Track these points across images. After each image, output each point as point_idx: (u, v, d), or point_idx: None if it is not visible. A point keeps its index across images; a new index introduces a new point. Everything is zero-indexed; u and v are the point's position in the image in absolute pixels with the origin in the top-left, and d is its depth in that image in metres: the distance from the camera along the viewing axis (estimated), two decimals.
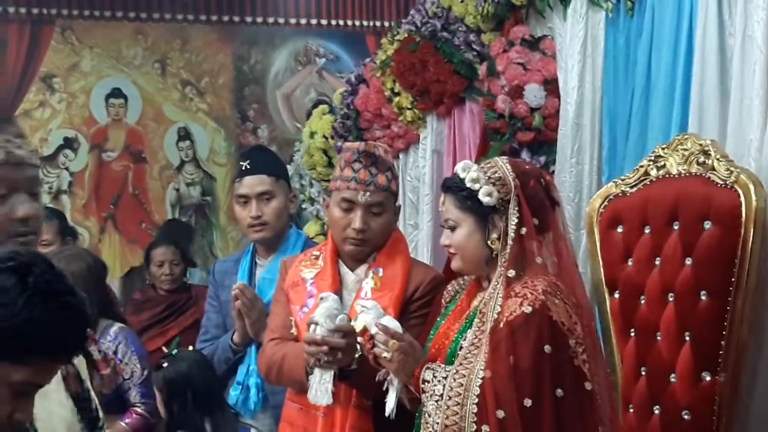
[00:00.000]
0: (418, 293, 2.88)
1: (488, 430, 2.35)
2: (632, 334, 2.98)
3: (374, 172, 2.91)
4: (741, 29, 2.87)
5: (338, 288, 2.93)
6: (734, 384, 2.76)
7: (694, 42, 3.05)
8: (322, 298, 2.71)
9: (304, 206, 6.00)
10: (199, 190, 7.24)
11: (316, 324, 2.67)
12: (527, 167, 2.70)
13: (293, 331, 2.88)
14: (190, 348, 3.50)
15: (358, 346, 2.72)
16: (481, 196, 2.54)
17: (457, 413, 2.39)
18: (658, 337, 2.89)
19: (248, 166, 3.56)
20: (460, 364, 2.44)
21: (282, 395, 3.15)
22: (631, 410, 2.96)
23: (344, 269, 2.98)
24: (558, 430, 2.38)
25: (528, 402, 2.36)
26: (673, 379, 2.84)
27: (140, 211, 7.15)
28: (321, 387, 2.69)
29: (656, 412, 2.89)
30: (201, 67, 7.31)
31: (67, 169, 7.05)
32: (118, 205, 7.13)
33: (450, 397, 2.40)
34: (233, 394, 3.49)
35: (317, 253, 3.04)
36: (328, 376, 2.69)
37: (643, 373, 2.94)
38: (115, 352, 3.82)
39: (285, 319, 2.95)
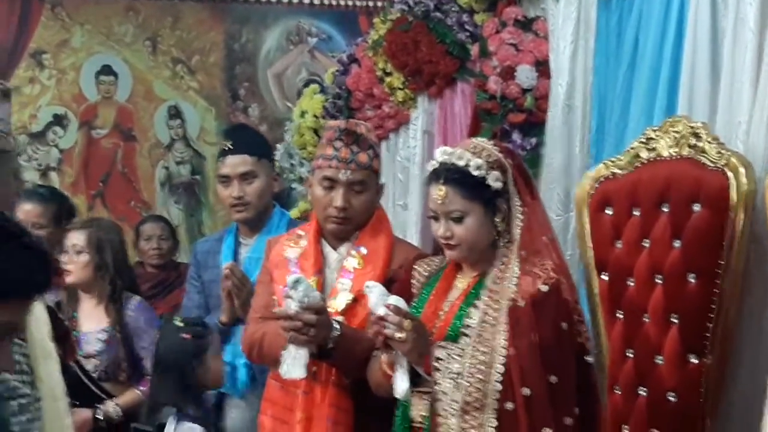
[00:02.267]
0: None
1: (512, 407, 2.37)
2: (620, 315, 2.98)
3: (355, 150, 2.90)
4: (733, 11, 2.86)
5: (321, 267, 2.92)
6: (721, 367, 2.76)
7: (684, 23, 3.04)
8: (298, 281, 2.69)
9: (293, 186, 5.98)
10: (188, 168, 7.22)
11: (291, 299, 2.67)
12: (504, 145, 2.72)
13: (276, 310, 2.87)
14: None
15: (336, 325, 2.72)
16: (490, 182, 2.53)
17: (480, 390, 2.39)
18: (646, 319, 2.89)
19: (230, 146, 3.55)
20: (478, 341, 2.44)
21: None
22: (617, 392, 2.97)
23: (327, 248, 2.97)
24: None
25: (554, 379, 2.39)
26: (659, 361, 2.84)
27: (129, 190, 7.12)
28: (295, 362, 2.69)
29: (642, 393, 2.89)
30: (192, 46, 7.26)
31: (56, 146, 7.02)
32: (107, 183, 7.10)
33: (471, 374, 2.41)
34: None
35: (301, 232, 3.04)
36: (303, 351, 2.69)
37: (630, 354, 2.94)
38: (137, 321, 3.87)
39: (268, 298, 2.95)
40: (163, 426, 3.19)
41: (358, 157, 2.90)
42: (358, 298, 2.82)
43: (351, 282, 2.87)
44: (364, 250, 2.91)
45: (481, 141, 2.65)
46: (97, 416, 3.74)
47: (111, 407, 3.76)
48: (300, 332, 2.66)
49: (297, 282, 2.67)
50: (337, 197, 2.89)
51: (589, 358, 2.50)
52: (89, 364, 3.79)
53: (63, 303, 3.86)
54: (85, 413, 3.72)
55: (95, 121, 7.11)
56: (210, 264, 3.62)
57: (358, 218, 2.94)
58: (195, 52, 7.26)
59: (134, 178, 7.15)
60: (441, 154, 2.60)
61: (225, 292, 3.37)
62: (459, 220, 2.54)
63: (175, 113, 7.22)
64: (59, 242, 4.14)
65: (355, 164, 2.90)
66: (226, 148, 3.55)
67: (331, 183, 2.91)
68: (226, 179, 3.54)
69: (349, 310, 2.83)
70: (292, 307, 2.66)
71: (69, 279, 3.86)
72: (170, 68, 7.23)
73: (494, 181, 2.53)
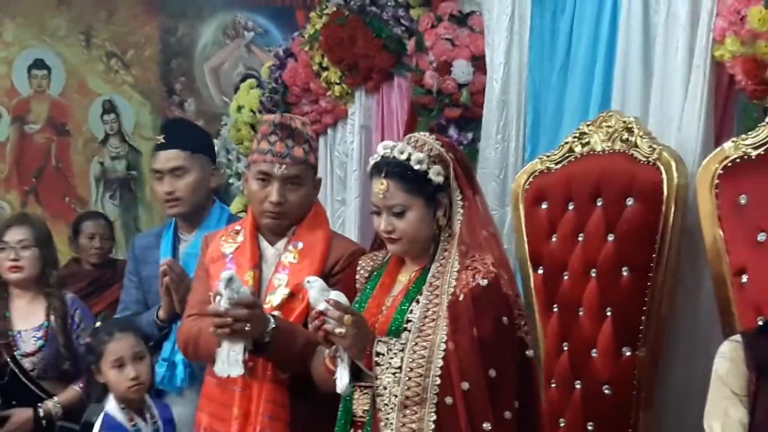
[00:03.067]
0: (338, 266, 2.86)
1: (452, 401, 2.36)
2: (555, 309, 3.01)
3: (291, 144, 2.89)
4: (665, 7, 2.90)
5: (258, 262, 2.91)
6: (654, 359, 2.80)
7: (617, 19, 3.08)
8: (230, 279, 2.67)
9: (231, 181, 5.95)
10: (124, 164, 7.14)
11: (220, 296, 2.65)
12: (447, 140, 2.71)
13: (208, 308, 2.85)
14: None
15: (272, 319, 2.71)
16: (432, 176, 2.52)
17: (419, 384, 2.38)
18: (581, 313, 2.92)
19: (163, 141, 3.52)
20: (418, 336, 2.43)
21: None
22: (553, 385, 2.99)
23: (264, 243, 2.96)
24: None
25: (493, 372, 2.37)
26: (594, 354, 2.87)
27: (64, 185, 7.03)
28: (230, 359, 2.67)
29: (577, 386, 2.92)
30: (127, 39, 7.19)
31: None
32: (41, 179, 7.00)
33: (411, 369, 2.39)
34: (159, 371, 3.45)
35: (238, 228, 3.02)
36: (238, 348, 2.67)
37: (565, 348, 2.97)
38: (72, 317, 3.81)
39: (204, 294, 2.92)
40: (90, 424, 3.15)
41: (293, 152, 2.89)
42: (295, 293, 2.81)
43: (287, 277, 2.85)
44: (301, 245, 2.90)
45: (423, 135, 2.64)
46: (38, 415, 3.68)
47: (52, 405, 3.71)
48: (233, 328, 2.64)
49: (230, 280, 2.65)
50: (273, 192, 2.88)
51: (530, 353, 2.50)
52: (27, 363, 3.73)
53: None
54: (25, 413, 3.66)
55: (28, 116, 7.01)
56: (149, 259, 3.58)
57: (294, 213, 2.93)
58: (130, 46, 7.18)
59: (69, 174, 7.06)
60: (383, 148, 2.60)
61: (163, 288, 3.34)
62: (400, 214, 2.54)
63: (109, 108, 7.13)
64: None
65: (290, 159, 2.88)
66: (159, 143, 3.52)
67: (267, 177, 2.89)
68: (159, 174, 3.51)
69: (285, 305, 2.81)
70: (222, 304, 2.64)
71: (20, 274, 3.79)
72: (104, 62, 7.15)
73: (435, 175, 2.53)
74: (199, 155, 3.52)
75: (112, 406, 3.18)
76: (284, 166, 2.87)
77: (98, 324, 3.48)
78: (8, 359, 3.66)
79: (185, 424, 3.31)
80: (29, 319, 3.79)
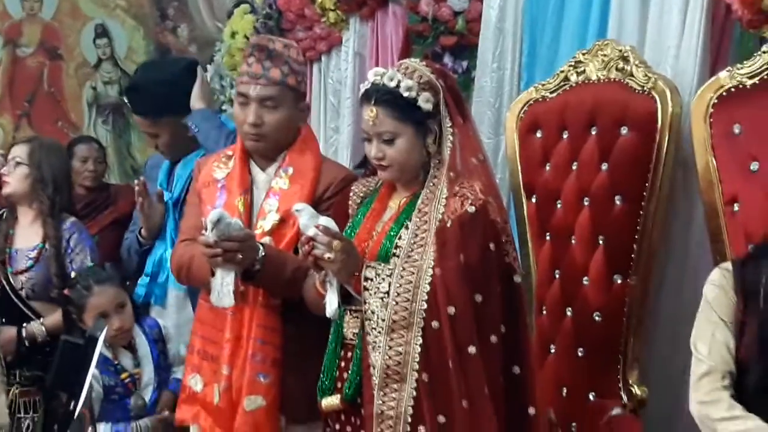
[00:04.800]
0: (329, 192, 2.86)
1: (438, 325, 2.38)
2: (548, 238, 3.02)
3: (267, 65, 2.86)
4: None
5: (248, 187, 2.91)
6: (644, 287, 2.82)
7: None
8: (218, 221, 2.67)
9: (224, 108, 5.92)
10: (116, 89, 7.10)
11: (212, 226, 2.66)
12: (438, 66, 2.70)
13: (199, 238, 2.86)
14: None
15: (261, 247, 2.72)
16: (421, 103, 2.52)
17: (406, 309, 2.41)
18: (573, 241, 2.93)
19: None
20: (406, 261, 2.45)
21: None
22: (544, 313, 3.02)
23: (255, 169, 2.95)
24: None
25: (479, 297, 2.41)
26: (585, 282, 2.89)
27: (56, 110, 6.99)
28: (223, 289, 2.71)
29: (568, 314, 2.95)
30: None
31: None
32: (33, 103, 6.96)
33: (398, 294, 2.42)
34: (141, 285, 3.69)
35: (230, 153, 3.01)
36: (230, 278, 2.70)
37: (557, 276, 2.99)
38: (68, 241, 3.82)
39: (196, 220, 2.92)
40: (94, 339, 3.15)
41: (269, 73, 2.86)
42: (285, 219, 2.81)
43: (278, 203, 2.85)
44: (291, 170, 2.89)
45: (414, 62, 2.64)
46: (21, 335, 3.70)
47: (36, 327, 3.72)
48: (224, 257, 2.66)
49: (218, 222, 2.66)
50: (249, 113, 2.86)
51: (517, 278, 2.52)
52: (17, 282, 3.75)
53: (1, 220, 3.84)
54: (10, 331, 3.68)
55: (20, 39, 6.95)
56: (154, 178, 3.69)
57: (274, 135, 2.90)
58: None
59: (61, 98, 7.02)
60: (373, 74, 2.60)
61: (137, 206, 3.51)
62: (390, 141, 2.55)
63: (102, 32, 7.07)
64: None
65: (265, 79, 2.85)
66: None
67: (245, 99, 2.87)
68: None
69: (276, 231, 2.82)
70: (211, 237, 2.65)
71: (6, 190, 3.85)
72: None
73: (425, 102, 2.53)
74: (164, 118, 3.69)
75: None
76: (259, 86, 2.85)
77: (72, 274, 3.56)
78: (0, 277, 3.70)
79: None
80: (27, 238, 3.83)
